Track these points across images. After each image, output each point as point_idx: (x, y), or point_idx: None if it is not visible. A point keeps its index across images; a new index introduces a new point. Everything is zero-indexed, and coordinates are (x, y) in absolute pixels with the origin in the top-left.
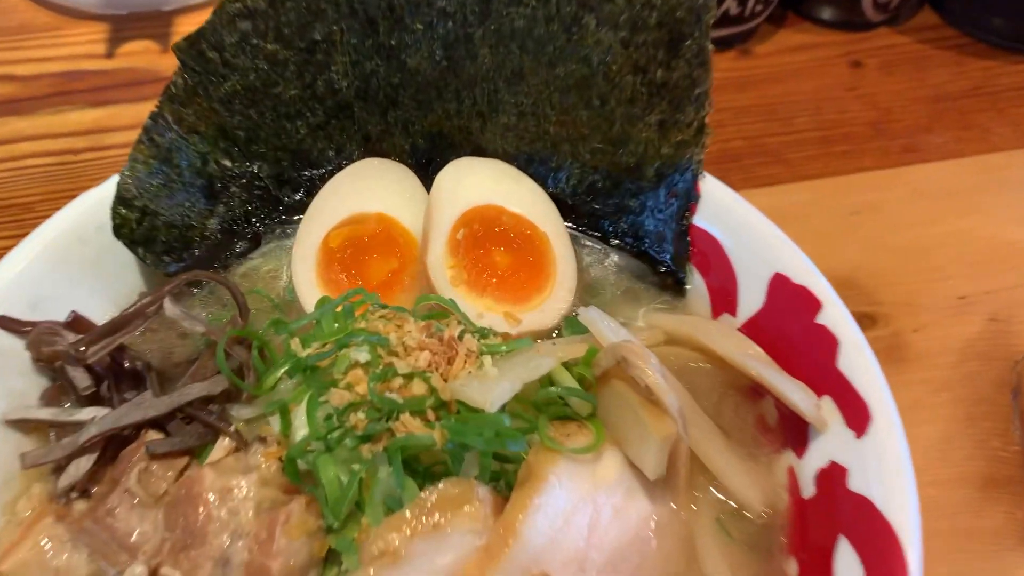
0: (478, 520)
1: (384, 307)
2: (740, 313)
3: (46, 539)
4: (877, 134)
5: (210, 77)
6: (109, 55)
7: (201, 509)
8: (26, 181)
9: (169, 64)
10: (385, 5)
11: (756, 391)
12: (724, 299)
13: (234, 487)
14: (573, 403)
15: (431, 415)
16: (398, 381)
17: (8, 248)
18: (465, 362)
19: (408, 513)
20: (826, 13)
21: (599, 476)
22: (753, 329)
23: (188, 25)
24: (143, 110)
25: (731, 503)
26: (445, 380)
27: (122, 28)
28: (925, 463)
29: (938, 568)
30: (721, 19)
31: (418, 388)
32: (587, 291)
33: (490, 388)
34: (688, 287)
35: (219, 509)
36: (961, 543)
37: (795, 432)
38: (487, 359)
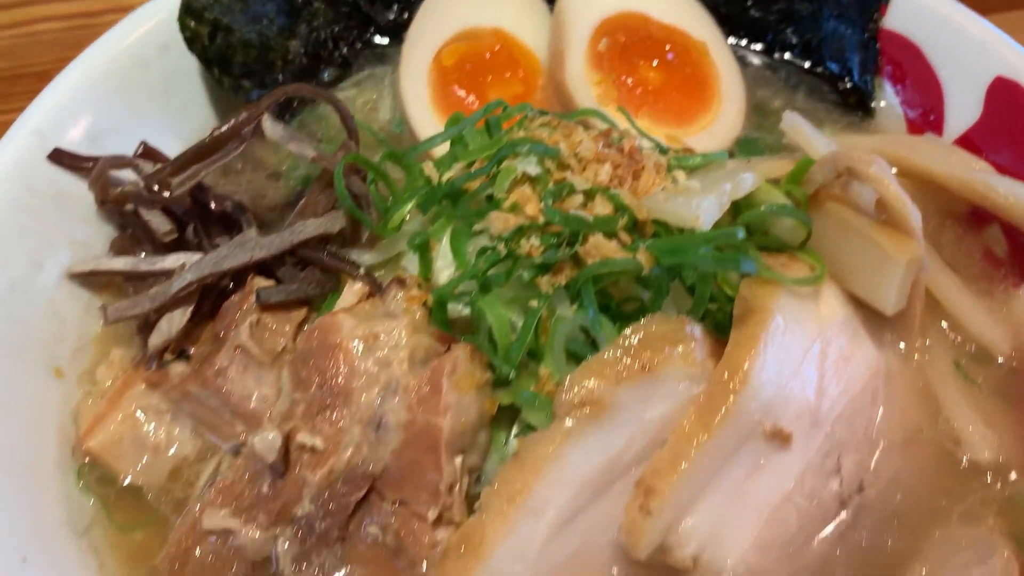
0: (695, 364)
1: (544, 113)
2: (948, 130)
3: (139, 411)
4: None
5: None
6: None
7: (342, 361)
8: (39, 48)
9: None
10: None
11: (978, 217)
12: (925, 116)
13: (381, 333)
14: (785, 227)
15: (625, 238)
16: (576, 199)
17: None
18: (655, 177)
19: (609, 355)
20: None
21: (824, 315)
22: (967, 146)
23: None
24: None
25: (970, 346)
26: (635, 195)
27: None
28: None
29: None
30: None
31: (603, 207)
32: (755, 111)
33: (697, 203)
34: (878, 104)
35: (365, 360)
36: None
37: None
38: (679, 173)
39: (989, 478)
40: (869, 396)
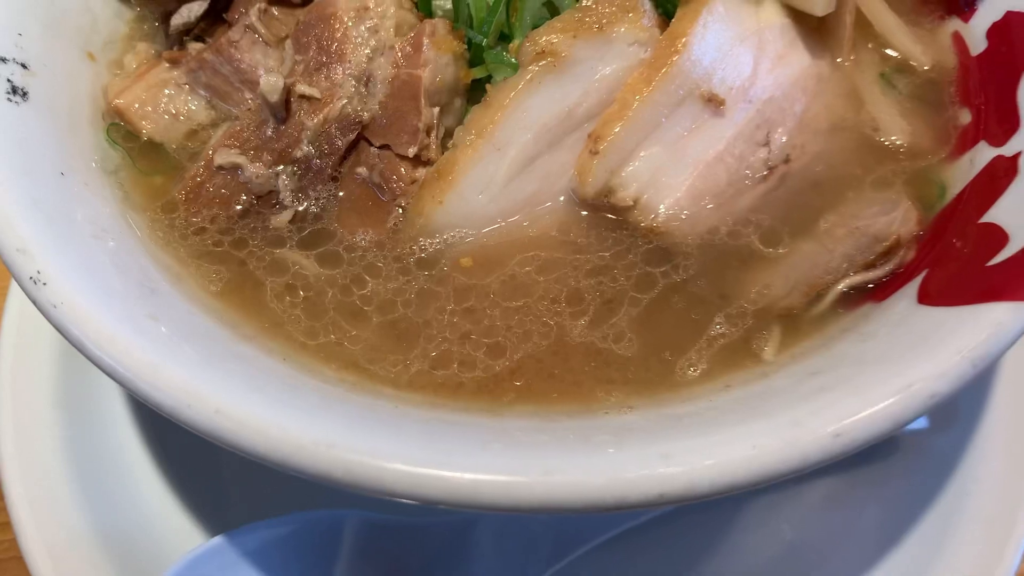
0: (644, 29)
1: None
2: None
3: (160, 81)
4: None
5: None
6: None
7: (337, 27)
8: None
9: None
10: None
11: None
12: None
13: (371, 4)
14: None
15: None
16: None
17: None
18: None
19: (567, 15)
20: None
21: (761, 16)
22: None
23: None
24: None
25: (895, 58)
26: None
27: None
28: None
29: None
30: None
31: None
32: None
33: None
34: None
35: (357, 27)
36: None
37: None
38: None
39: (901, 157)
40: (800, 88)
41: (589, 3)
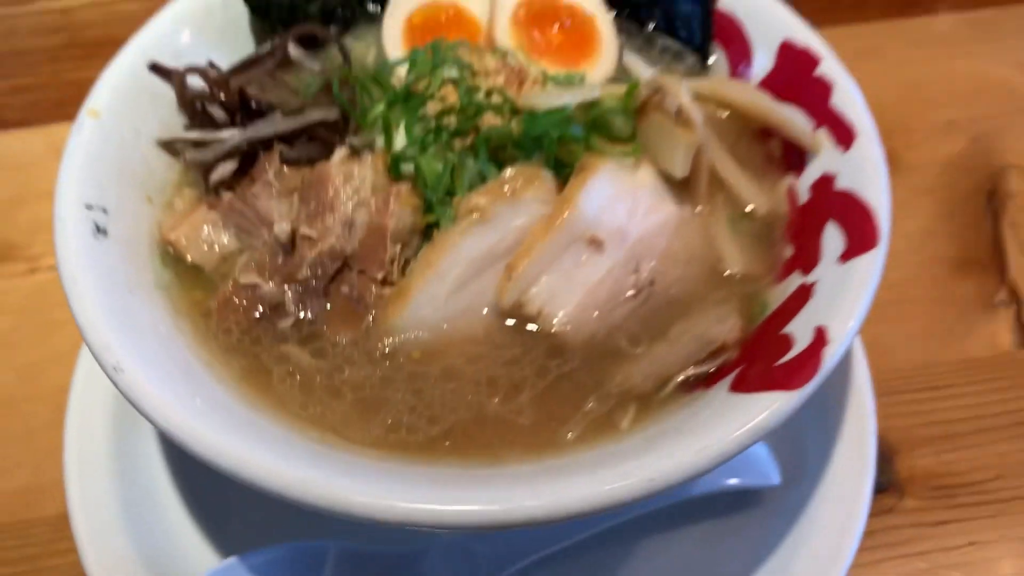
0: (545, 193)
1: (466, 44)
2: (754, 77)
3: (201, 220)
4: None
5: None
6: None
7: (330, 187)
8: (119, 21)
9: None
10: None
11: (765, 133)
12: (739, 68)
13: (355, 173)
14: (616, 124)
15: (508, 117)
16: (481, 93)
17: None
18: (533, 85)
19: (491, 185)
20: None
21: (637, 179)
22: (765, 87)
23: None
24: None
25: (740, 208)
26: (517, 95)
27: None
28: (907, 249)
29: (915, 324)
30: None
31: (496, 98)
32: (623, 69)
33: (554, 98)
34: (711, 60)
35: (344, 188)
36: (935, 307)
37: (795, 160)
38: (550, 84)
39: (737, 282)
40: (664, 231)
41: (507, 175)
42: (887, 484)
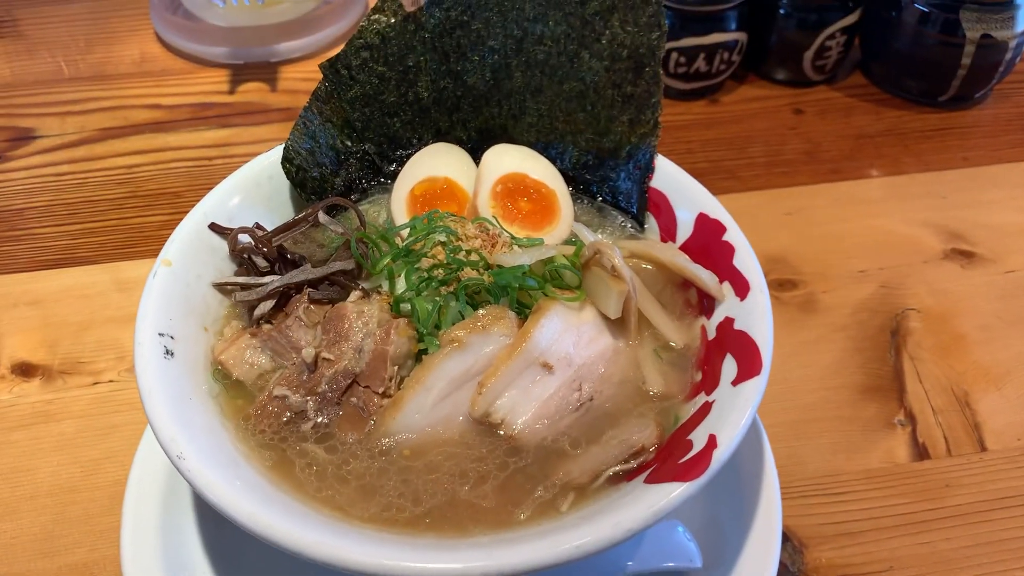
0: (509, 327)
1: (453, 216)
2: (678, 240)
3: (245, 345)
4: (810, 160)
5: (342, 86)
6: (231, 92)
7: (346, 321)
8: (174, 176)
9: (275, 100)
10: (455, 44)
11: (685, 285)
12: (668, 232)
13: (365, 310)
14: (566, 276)
15: (482, 271)
16: (462, 253)
17: (169, 222)
18: (502, 247)
19: (467, 321)
20: (777, 73)
21: (581, 317)
22: (685, 248)
23: (289, 72)
24: (257, 131)
25: (663, 342)
26: (490, 255)
27: (240, 73)
28: (821, 376)
29: (825, 440)
30: (694, 74)
31: (475, 256)
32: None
33: (517, 258)
34: (646, 226)
35: (356, 321)
36: (843, 426)
37: (706, 305)
38: (515, 247)
39: (656, 399)
40: (603, 358)
41: (480, 314)
42: (798, 573)
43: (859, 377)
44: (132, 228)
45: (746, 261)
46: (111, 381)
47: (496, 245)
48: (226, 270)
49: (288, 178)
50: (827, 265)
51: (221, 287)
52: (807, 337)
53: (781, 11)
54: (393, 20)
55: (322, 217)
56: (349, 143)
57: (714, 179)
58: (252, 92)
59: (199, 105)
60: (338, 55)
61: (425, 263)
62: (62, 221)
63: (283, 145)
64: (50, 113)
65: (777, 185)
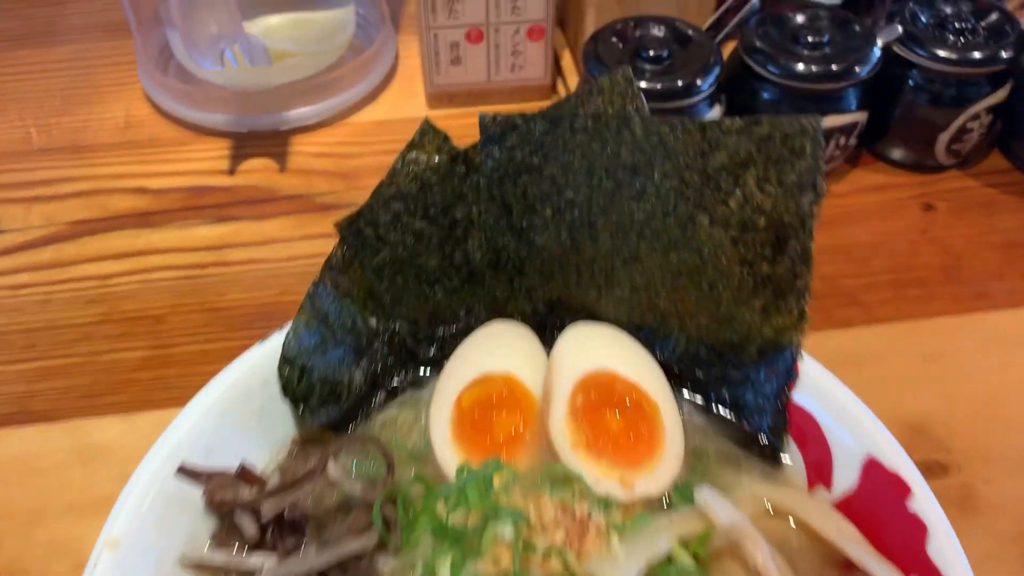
0: None
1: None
2: (835, 489)
3: None
4: (948, 279)
5: (365, 250)
6: (231, 172)
7: None
8: (157, 293)
9: (285, 183)
10: (520, 193)
11: (849, 566)
12: (819, 473)
13: None
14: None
15: None
16: (537, 556)
17: (147, 359)
18: (595, 539)
19: None
20: (898, 154)
21: None
22: (847, 508)
23: (301, 144)
24: (262, 227)
25: None
26: (578, 557)
27: (243, 145)
28: None
29: None
30: None
31: (556, 564)
32: (692, 455)
33: (619, 569)
34: (786, 457)
35: None
36: None
37: None
38: (614, 537)
39: None
40: None
41: None
42: None
43: None
44: (102, 367)
45: (949, 552)
46: None
47: (586, 535)
48: (200, 532)
49: (284, 391)
50: (986, 440)
51: (196, 568)
52: (970, 552)
53: (911, 82)
54: (436, 160)
55: (332, 471)
56: (374, 321)
57: (832, 306)
58: (257, 171)
59: (192, 189)
60: (361, 210)
61: (483, 569)
62: (17, 357)
63: (283, 333)
64: (13, 199)
65: (909, 315)
